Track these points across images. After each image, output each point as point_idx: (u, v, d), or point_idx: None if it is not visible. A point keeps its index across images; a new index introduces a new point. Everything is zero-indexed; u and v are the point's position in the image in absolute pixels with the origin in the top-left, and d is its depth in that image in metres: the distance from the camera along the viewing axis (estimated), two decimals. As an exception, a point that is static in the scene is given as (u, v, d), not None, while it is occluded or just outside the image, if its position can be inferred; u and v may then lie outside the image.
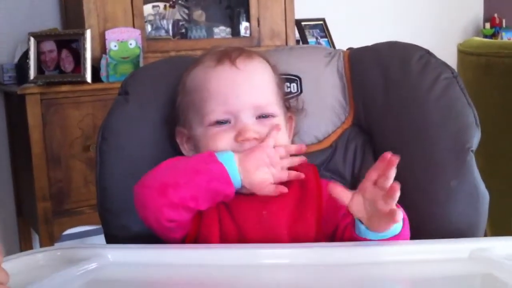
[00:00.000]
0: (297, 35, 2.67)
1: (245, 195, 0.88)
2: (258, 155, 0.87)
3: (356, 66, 1.07)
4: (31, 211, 2.07)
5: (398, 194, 0.76)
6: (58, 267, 0.78)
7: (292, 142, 1.02)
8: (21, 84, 2.10)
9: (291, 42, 2.48)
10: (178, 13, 2.49)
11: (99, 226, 1.03)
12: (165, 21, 2.43)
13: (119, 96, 1.04)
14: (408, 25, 3.22)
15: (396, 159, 0.76)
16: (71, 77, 2.04)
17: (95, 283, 0.77)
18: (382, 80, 1.03)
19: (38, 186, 1.96)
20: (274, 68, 0.99)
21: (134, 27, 2.16)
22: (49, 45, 2.08)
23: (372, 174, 0.78)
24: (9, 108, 2.29)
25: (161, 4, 2.45)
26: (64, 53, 2.07)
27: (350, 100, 1.06)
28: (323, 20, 2.85)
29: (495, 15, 3.41)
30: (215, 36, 2.48)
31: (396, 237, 0.82)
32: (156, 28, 2.41)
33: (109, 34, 2.10)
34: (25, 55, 2.11)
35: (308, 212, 0.90)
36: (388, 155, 0.76)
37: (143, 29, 2.20)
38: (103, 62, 2.08)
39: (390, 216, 0.77)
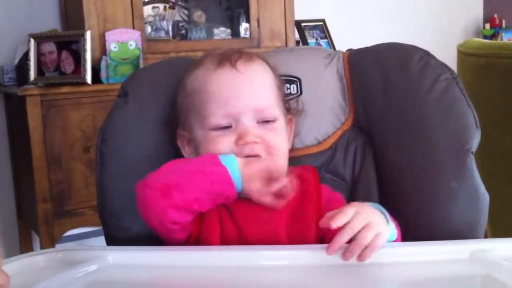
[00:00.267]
0: (297, 36, 2.67)
1: (246, 198, 0.88)
2: (261, 166, 0.87)
3: (355, 68, 1.07)
4: (32, 212, 2.07)
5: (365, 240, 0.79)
6: (59, 269, 0.79)
7: (292, 144, 1.02)
8: (21, 85, 2.10)
9: (291, 43, 2.48)
10: (178, 14, 2.50)
11: (99, 228, 1.03)
12: (165, 22, 2.43)
13: (119, 98, 1.05)
14: (408, 26, 3.22)
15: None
16: (71, 78, 2.05)
17: (95, 285, 0.77)
18: (382, 81, 1.03)
19: (39, 187, 1.96)
20: (274, 70, 0.99)
21: (134, 28, 2.16)
22: (49, 47, 2.08)
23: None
24: (9, 109, 2.29)
25: (161, 5, 2.45)
26: (64, 54, 2.07)
27: (349, 102, 1.06)
28: (323, 21, 2.86)
29: (495, 15, 3.41)
30: (215, 37, 2.48)
31: None
32: (156, 29, 2.41)
33: (109, 35, 2.10)
34: (25, 56, 2.11)
35: (307, 215, 0.90)
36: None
37: (143, 30, 2.20)
38: (103, 63, 2.08)
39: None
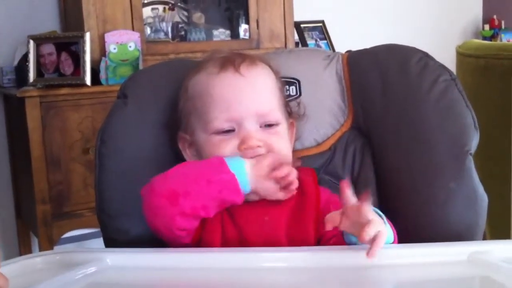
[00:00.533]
0: (296, 37, 2.67)
1: (247, 201, 0.88)
2: (269, 161, 0.88)
3: (354, 69, 1.07)
4: (31, 213, 2.07)
5: (373, 227, 0.75)
6: (57, 271, 0.78)
7: (293, 147, 1.02)
8: (20, 86, 2.10)
9: (290, 45, 2.48)
10: (177, 16, 2.50)
11: (98, 229, 1.03)
12: (164, 24, 2.43)
13: (118, 100, 1.04)
14: (407, 27, 3.22)
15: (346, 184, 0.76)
16: (71, 79, 2.04)
17: (94, 287, 0.77)
18: (381, 83, 1.04)
19: (38, 188, 1.95)
20: (276, 73, 0.99)
21: (133, 29, 2.16)
22: (49, 48, 2.08)
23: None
24: (8, 111, 2.29)
25: (160, 7, 2.45)
26: (64, 55, 2.07)
27: (349, 103, 1.07)
28: (322, 22, 2.86)
29: (494, 16, 3.42)
30: (214, 39, 2.48)
31: None
32: (156, 31, 2.41)
33: (108, 37, 2.10)
34: (25, 57, 2.11)
35: (306, 216, 0.90)
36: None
37: (142, 31, 2.20)
38: (102, 65, 2.08)
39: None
